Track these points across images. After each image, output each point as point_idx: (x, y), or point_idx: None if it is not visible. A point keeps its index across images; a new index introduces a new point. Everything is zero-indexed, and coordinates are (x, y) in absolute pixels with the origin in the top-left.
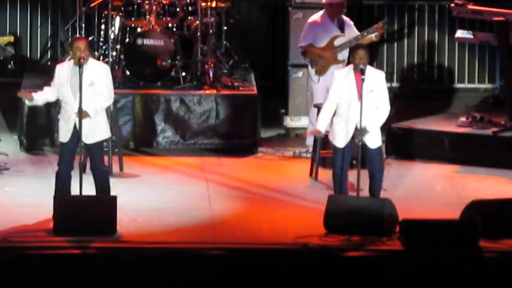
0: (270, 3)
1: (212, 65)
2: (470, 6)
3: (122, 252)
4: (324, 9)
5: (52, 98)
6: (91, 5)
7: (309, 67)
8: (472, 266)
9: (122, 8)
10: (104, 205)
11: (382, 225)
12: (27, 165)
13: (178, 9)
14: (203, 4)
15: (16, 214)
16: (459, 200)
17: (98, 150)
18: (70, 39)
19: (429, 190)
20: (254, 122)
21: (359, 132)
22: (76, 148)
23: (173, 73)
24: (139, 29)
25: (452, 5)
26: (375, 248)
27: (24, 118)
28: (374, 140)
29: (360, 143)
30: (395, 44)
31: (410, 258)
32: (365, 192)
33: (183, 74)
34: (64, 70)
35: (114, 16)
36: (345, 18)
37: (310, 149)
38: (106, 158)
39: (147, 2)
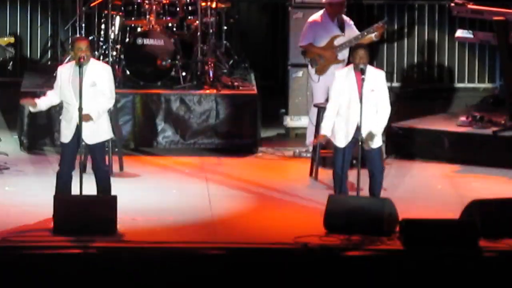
0: (270, 3)
1: (212, 65)
2: (470, 6)
3: (122, 251)
4: (324, 9)
5: (55, 101)
6: (91, 5)
7: (309, 66)
8: (472, 265)
9: (122, 8)
10: (104, 204)
11: (382, 224)
12: (27, 164)
13: (178, 9)
14: (203, 4)
15: (16, 213)
16: (459, 200)
17: (99, 150)
18: (70, 39)
19: (429, 189)
20: (254, 122)
21: (367, 137)
22: (77, 148)
23: (173, 73)
24: (139, 29)
25: (452, 4)
26: (375, 247)
27: (24, 117)
28: (375, 139)
29: (366, 147)
30: (395, 44)
31: (410, 257)
32: (365, 191)
33: (183, 73)
34: (66, 71)
35: (114, 16)
36: (345, 17)
37: (310, 148)
38: (106, 157)
39: (147, 1)
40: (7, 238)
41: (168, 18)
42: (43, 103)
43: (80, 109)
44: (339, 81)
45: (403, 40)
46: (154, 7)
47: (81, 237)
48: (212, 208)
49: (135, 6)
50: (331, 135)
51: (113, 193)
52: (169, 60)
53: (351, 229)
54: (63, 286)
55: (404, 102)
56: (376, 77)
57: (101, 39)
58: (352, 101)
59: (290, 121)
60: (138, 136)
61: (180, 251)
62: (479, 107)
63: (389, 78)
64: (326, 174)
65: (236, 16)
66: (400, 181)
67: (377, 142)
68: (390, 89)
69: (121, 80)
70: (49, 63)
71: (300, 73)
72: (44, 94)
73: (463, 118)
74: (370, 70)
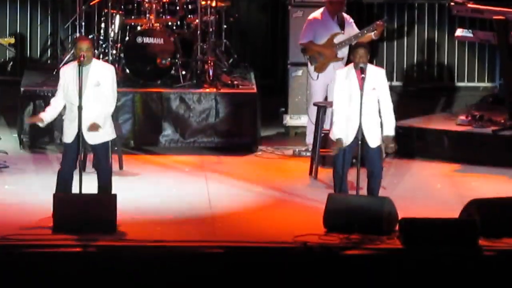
0: (270, 2)
1: (212, 63)
2: (470, 5)
3: (122, 250)
4: (324, 7)
5: (60, 107)
6: (91, 3)
7: (309, 64)
8: (471, 264)
9: (122, 7)
10: (104, 203)
11: (382, 223)
12: (27, 163)
13: (178, 8)
14: (203, 2)
15: (16, 212)
16: (459, 199)
17: (102, 149)
18: (70, 37)
19: (428, 188)
20: (253, 121)
21: (387, 142)
22: (80, 148)
23: (173, 72)
24: (139, 28)
25: (452, 3)
26: (374, 246)
27: (24, 116)
28: (374, 139)
29: (390, 151)
30: (395, 43)
31: (410, 256)
32: (364, 191)
33: (183, 72)
34: (69, 70)
35: (114, 14)
36: (345, 15)
37: (310, 147)
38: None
39: (147, 0)
40: (7, 236)
41: (168, 17)
42: (49, 116)
43: (80, 108)
44: (340, 81)
45: (403, 39)
46: (154, 5)
47: (81, 235)
48: (211, 207)
49: (135, 5)
50: (332, 133)
51: (113, 191)
52: (169, 59)
53: (351, 228)
54: (63, 284)
55: (403, 101)
56: (376, 75)
57: (101, 37)
58: (353, 100)
59: (290, 120)
60: (138, 135)
61: (180, 250)
62: (479, 106)
63: (389, 77)
64: (325, 173)
65: (236, 15)
66: (399, 180)
67: (377, 141)
68: (390, 88)
69: (121, 78)
70: (49, 61)
71: (299, 72)
72: (48, 104)
73: (462, 117)
74: (370, 69)
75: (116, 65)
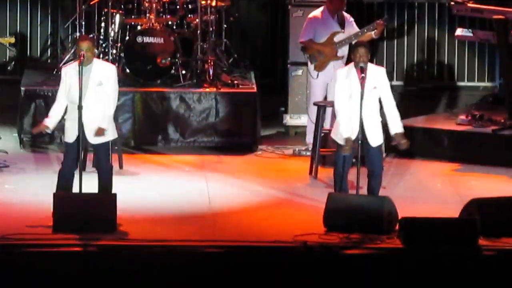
0: (270, 1)
1: (212, 63)
2: (470, 4)
3: (122, 250)
4: (325, 5)
5: (64, 108)
6: (91, 3)
7: (308, 62)
8: (471, 264)
9: (122, 6)
10: (104, 203)
11: (382, 223)
12: (27, 162)
13: (178, 7)
14: (203, 2)
15: (16, 211)
16: (459, 199)
17: (103, 149)
18: (70, 37)
19: (428, 188)
20: (253, 120)
21: (398, 138)
22: (80, 148)
23: (173, 71)
24: (139, 27)
25: (452, 3)
26: (374, 246)
27: (24, 116)
28: (375, 137)
29: (403, 147)
30: (395, 43)
31: (410, 256)
32: (364, 190)
33: (183, 72)
34: (70, 71)
35: (114, 14)
36: (345, 14)
37: (310, 147)
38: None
39: (147, 0)
40: (7, 236)
41: (168, 16)
42: (53, 121)
43: (80, 107)
44: (340, 80)
45: (403, 38)
46: (154, 5)
47: (81, 235)
48: (211, 206)
49: (135, 4)
50: (334, 133)
51: (112, 191)
52: (169, 58)
53: (351, 227)
54: (63, 284)
55: (403, 100)
56: (377, 74)
57: (101, 37)
58: (353, 99)
59: (290, 120)
60: (137, 134)
61: (180, 250)
62: (479, 106)
63: (389, 77)
64: (325, 173)
65: (236, 14)
66: (399, 179)
67: (378, 140)
68: (390, 88)
69: (121, 78)
70: (49, 61)
71: (299, 72)
72: (48, 103)
73: (462, 117)
74: (371, 68)
75: (116, 65)
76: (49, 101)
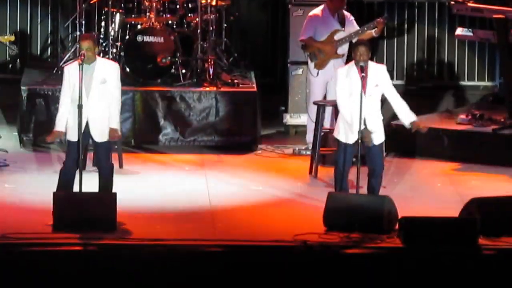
0: (270, 1)
1: (212, 62)
2: (470, 4)
3: (122, 249)
4: (325, 4)
5: (69, 107)
6: (91, 2)
7: (309, 61)
8: (471, 263)
9: (122, 5)
10: (104, 202)
11: (382, 222)
12: (27, 161)
13: (178, 6)
14: (203, 1)
15: (16, 210)
16: (459, 198)
17: (105, 148)
18: (70, 36)
19: (428, 187)
20: (253, 119)
21: (414, 126)
22: (82, 147)
23: (173, 70)
24: (139, 26)
25: (452, 2)
26: (374, 245)
27: (24, 115)
28: (377, 135)
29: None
30: (395, 42)
31: (410, 255)
32: (365, 189)
33: (183, 71)
34: (73, 70)
35: (114, 13)
36: (346, 13)
37: (310, 146)
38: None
39: None
40: (7, 235)
41: (168, 16)
42: (64, 125)
43: (80, 106)
44: (341, 80)
45: (403, 38)
46: (154, 4)
47: (81, 234)
48: (211, 205)
49: (135, 4)
50: (336, 132)
51: (113, 190)
52: (169, 58)
53: (351, 227)
54: (63, 283)
55: (403, 99)
56: (378, 71)
57: (101, 36)
58: (355, 98)
59: (290, 119)
60: (138, 134)
61: (180, 249)
62: (479, 105)
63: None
64: (325, 172)
65: (236, 13)
66: (399, 179)
67: (379, 138)
68: None
69: (121, 77)
70: (49, 60)
71: (300, 71)
72: (48, 103)
73: (462, 116)
74: (372, 66)
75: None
76: (49, 100)
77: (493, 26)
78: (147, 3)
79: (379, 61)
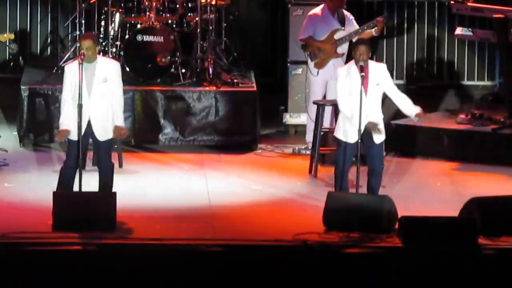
0: (270, 0)
1: (211, 61)
2: (470, 3)
3: (121, 248)
4: (325, 3)
5: (73, 105)
6: (91, 1)
7: (309, 60)
8: (471, 263)
9: (122, 5)
10: (103, 201)
11: (381, 222)
12: (27, 161)
13: (178, 6)
14: (203, 0)
15: (15, 210)
16: (458, 197)
17: (106, 146)
18: (70, 35)
19: (428, 187)
20: (253, 119)
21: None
22: (85, 145)
23: (172, 70)
24: (139, 26)
25: (452, 2)
26: (374, 245)
27: (24, 114)
28: (378, 135)
29: (377, 133)
30: (395, 42)
31: (409, 255)
32: (364, 189)
33: (183, 70)
34: (75, 69)
35: (114, 12)
36: (345, 12)
37: (310, 146)
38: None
39: None
40: (6, 234)
41: (168, 15)
42: (69, 121)
43: (80, 105)
44: (341, 79)
45: (403, 37)
46: (154, 4)
47: (81, 233)
48: (211, 205)
49: (135, 3)
50: (337, 131)
51: (112, 189)
52: (169, 57)
53: (350, 226)
54: (63, 282)
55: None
56: (378, 70)
57: (101, 35)
58: (355, 97)
59: (290, 118)
60: (137, 133)
61: (179, 248)
62: (478, 105)
63: None
64: (325, 171)
65: (236, 13)
66: (399, 178)
67: (381, 137)
68: None
69: (121, 76)
70: (48, 59)
71: (299, 70)
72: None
73: (462, 116)
74: (372, 65)
75: None
76: (49, 99)
77: (493, 25)
78: (146, 3)
79: (379, 60)
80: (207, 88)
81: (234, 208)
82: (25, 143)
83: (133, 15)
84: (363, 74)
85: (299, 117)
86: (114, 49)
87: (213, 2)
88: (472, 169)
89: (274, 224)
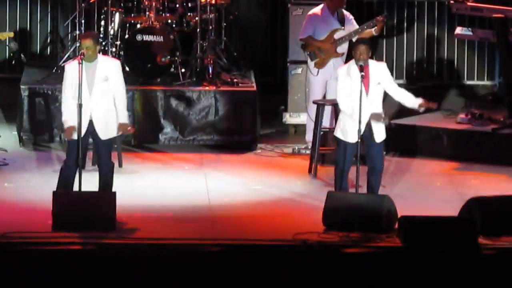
0: (270, 0)
1: (211, 61)
2: (470, 3)
3: (121, 248)
4: (324, 3)
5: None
6: (91, 1)
7: (308, 60)
8: (471, 263)
9: (122, 4)
10: (103, 201)
11: (381, 221)
12: (27, 161)
13: (177, 6)
14: (203, 0)
15: (15, 210)
16: (458, 197)
17: (107, 145)
18: (69, 35)
19: (428, 187)
20: (253, 119)
21: (424, 105)
22: (85, 144)
23: (172, 69)
24: (138, 25)
25: (452, 1)
26: (374, 244)
27: (23, 114)
28: (379, 133)
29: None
30: (394, 41)
31: (409, 254)
32: (364, 189)
33: (183, 70)
34: (75, 67)
35: (113, 12)
36: (345, 12)
37: (309, 145)
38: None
39: None
40: (6, 234)
41: (168, 15)
42: (73, 118)
43: (80, 105)
44: (341, 79)
45: (403, 37)
46: (153, 3)
47: (81, 233)
48: (211, 204)
49: (135, 3)
50: (338, 131)
51: (112, 189)
52: (169, 57)
53: (350, 226)
54: (63, 282)
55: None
56: (379, 69)
57: (101, 35)
58: (355, 97)
59: (289, 118)
60: (137, 133)
61: (179, 248)
62: (478, 105)
63: None
64: (325, 171)
65: (236, 12)
66: (399, 178)
67: (381, 136)
68: None
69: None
70: (48, 59)
71: (299, 70)
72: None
73: (462, 116)
74: (372, 64)
75: None
76: (49, 99)
77: (493, 25)
78: (146, 2)
79: (379, 60)
80: (207, 88)
81: (233, 208)
82: (25, 143)
83: (133, 14)
84: (363, 73)
85: (299, 117)
86: (113, 49)
87: (213, 2)
88: (472, 168)
89: (273, 223)
